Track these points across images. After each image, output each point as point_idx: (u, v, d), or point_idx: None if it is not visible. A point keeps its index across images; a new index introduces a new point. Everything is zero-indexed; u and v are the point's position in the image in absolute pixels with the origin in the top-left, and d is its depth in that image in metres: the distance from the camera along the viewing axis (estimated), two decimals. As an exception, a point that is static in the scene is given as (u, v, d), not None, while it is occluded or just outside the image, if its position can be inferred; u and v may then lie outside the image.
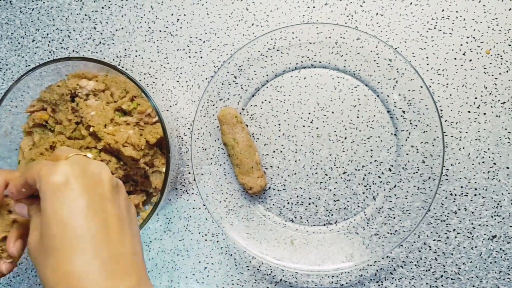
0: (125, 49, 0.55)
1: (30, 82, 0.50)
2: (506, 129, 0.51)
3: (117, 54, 0.56)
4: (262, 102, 0.53)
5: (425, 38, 0.51)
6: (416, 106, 0.50)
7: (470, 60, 0.51)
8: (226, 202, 0.54)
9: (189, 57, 0.55)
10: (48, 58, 0.57)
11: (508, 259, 0.51)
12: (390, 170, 0.52)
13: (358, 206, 0.53)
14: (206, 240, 0.55)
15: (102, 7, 0.55)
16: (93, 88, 0.51)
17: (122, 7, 0.55)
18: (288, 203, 0.54)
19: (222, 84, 0.52)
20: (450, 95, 0.51)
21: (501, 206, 0.51)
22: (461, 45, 0.51)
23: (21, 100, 0.51)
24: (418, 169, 0.51)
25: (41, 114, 0.52)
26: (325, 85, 0.52)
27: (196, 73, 0.55)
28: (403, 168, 0.52)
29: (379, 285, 0.53)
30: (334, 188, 0.53)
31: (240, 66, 0.52)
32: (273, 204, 0.54)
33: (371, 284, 0.53)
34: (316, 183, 0.53)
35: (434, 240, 0.52)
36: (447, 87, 0.51)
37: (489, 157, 0.51)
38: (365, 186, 0.53)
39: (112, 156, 0.49)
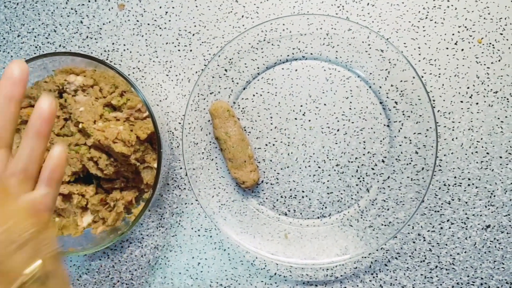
0: (113, 43, 0.54)
1: (16, 78, 0.49)
2: (498, 118, 0.50)
3: (105, 49, 0.55)
4: (254, 95, 0.53)
5: (416, 28, 0.51)
6: (408, 96, 0.50)
7: (462, 50, 0.50)
8: (219, 197, 0.53)
9: (179, 50, 0.54)
10: (34, 53, 0.56)
11: (502, 248, 0.51)
12: (383, 161, 0.52)
13: (352, 199, 0.53)
14: (199, 235, 0.55)
15: (89, 1, 0.54)
16: (81, 83, 0.50)
17: (109, 0, 0.54)
18: (281, 197, 0.53)
19: (213, 77, 0.52)
20: (443, 85, 0.51)
21: (494, 196, 0.51)
22: (453, 34, 0.50)
23: (7, 97, 0.50)
24: (412, 160, 0.50)
25: (28, 111, 0.51)
26: (317, 77, 0.52)
27: (186, 66, 0.54)
28: (396, 159, 0.51)
29: (373, 277, 0.53)
30: (328, 181, 0.53)
31: (230, 59, 0.51)
32: (266, 198, 0.54)
33: (366, 276, 0.53)
34: (309, 176, 0.53)
35: (428, 231, 0.52)
36: (439, 77, 0.51)
37: (482, 147, 0.51)
38: (359, 178, 0.52)
39: (102, 153, 0.48)
